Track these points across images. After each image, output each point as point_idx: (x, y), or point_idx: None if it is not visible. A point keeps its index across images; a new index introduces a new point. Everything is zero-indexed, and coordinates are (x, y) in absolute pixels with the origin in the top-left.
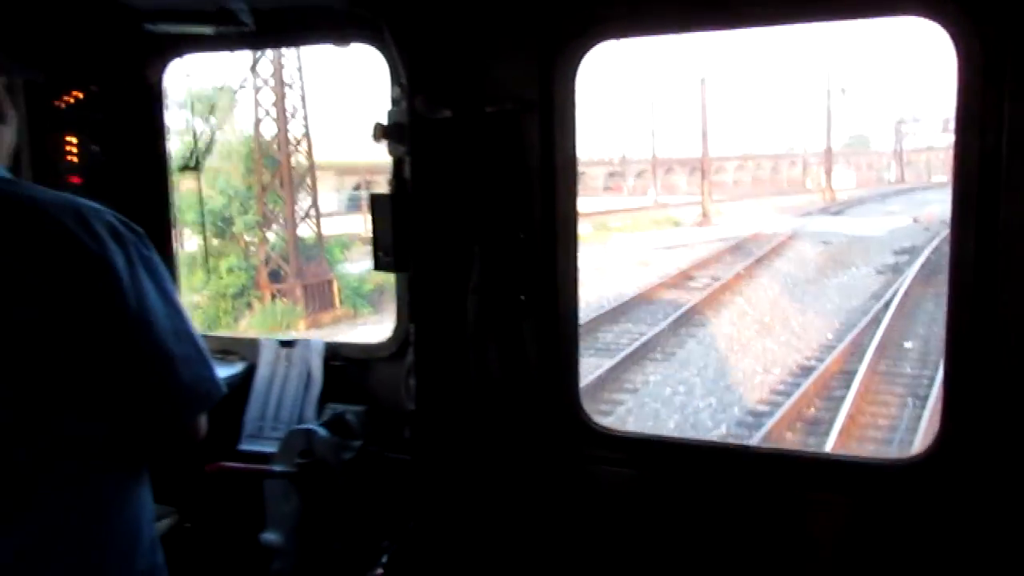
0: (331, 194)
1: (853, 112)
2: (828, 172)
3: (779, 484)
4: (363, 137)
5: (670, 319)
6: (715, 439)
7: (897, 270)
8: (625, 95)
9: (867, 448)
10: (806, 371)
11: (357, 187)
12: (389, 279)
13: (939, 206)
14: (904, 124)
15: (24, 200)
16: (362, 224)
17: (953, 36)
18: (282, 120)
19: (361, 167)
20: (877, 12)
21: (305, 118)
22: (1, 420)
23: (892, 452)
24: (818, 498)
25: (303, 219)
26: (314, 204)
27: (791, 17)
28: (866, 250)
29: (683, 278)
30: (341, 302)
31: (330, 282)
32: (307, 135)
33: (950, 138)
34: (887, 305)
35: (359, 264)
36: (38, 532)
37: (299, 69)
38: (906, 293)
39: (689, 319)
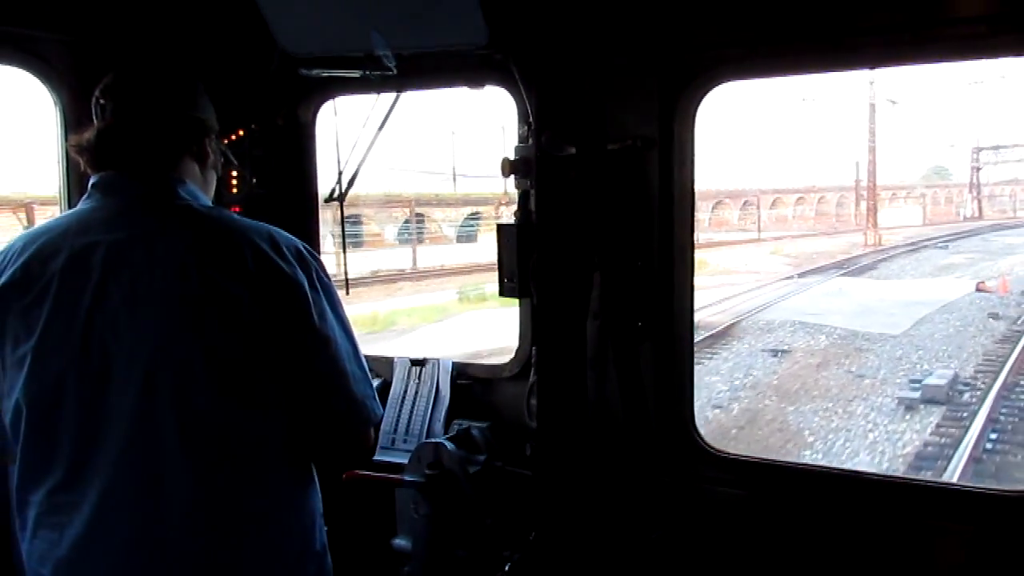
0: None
1: (931, 140)
2: (871, 208)
3: (896, 512)
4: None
5: None
6: (831, 464)
7: None
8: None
9: None
10: None
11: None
12: None
13: (1022, 258)
14: (983, 152)
15: (229, 225)
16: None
17: None
18: None
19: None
20: (996, 52)
21: None
22: (203, 419)
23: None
24: (938, 527)
25: None
26: None
27: (906, 58)
28: (845, 387)
29: None
30: None
31: None
32: None
33: None
34: None
35: None
36: (223, 527)
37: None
38: None
39: None
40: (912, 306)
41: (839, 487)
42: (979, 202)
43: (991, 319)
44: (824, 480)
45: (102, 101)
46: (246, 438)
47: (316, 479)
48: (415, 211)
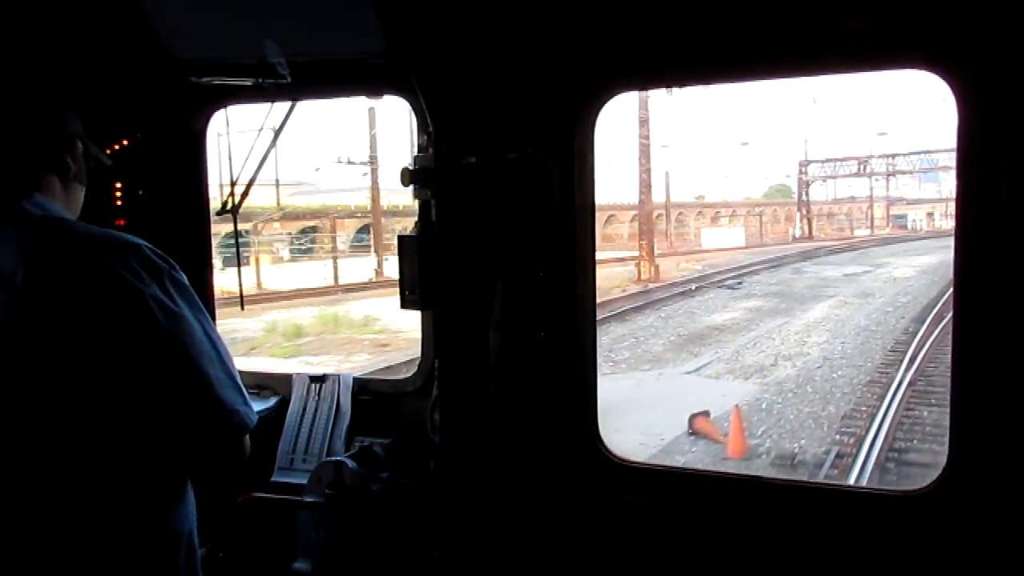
0: None
1: (772, 158)
2: (645, 233)
3: (791, 514)
4: None
5: None
6: (731, 471)
7: None
8: None
9: None
10: None
11: None
12: None
13: (827, 308)
14: (812, 165)
15: (75, 236)
16: None
17: (953, 89)
18: None
19: None
20: (879, 66)
21: None
22: (40, 442)
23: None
24: (830, 529)
25: None
26: None
27: (800, 71)
28: None
29: None
30: None
31: None
32: None
33: (868, 185)
34: None
35: None
36: (65, 555)
37: None
38: None
39: None
40: None
41: (742, 492)
42: (809, 221)
43: None
44: (727, 486)
45: None
46: (91, 460)
47: (185, 496)
48: None
